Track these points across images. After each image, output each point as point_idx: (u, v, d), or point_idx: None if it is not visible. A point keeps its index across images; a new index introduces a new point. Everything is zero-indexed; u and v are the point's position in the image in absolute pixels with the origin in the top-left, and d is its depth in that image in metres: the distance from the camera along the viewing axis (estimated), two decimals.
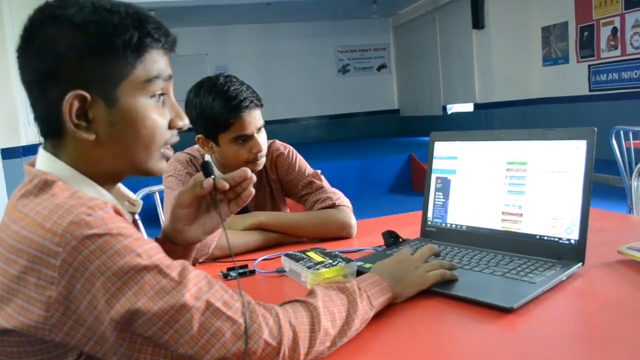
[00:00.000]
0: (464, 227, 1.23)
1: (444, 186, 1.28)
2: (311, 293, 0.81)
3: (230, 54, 10.42)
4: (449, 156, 1.28)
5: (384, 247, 1.28)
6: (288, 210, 1.74)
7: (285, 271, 1.18)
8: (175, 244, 0.92)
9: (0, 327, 0.66)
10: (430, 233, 1.29)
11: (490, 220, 1.18)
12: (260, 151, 1.49)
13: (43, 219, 0.65)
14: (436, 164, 1.30)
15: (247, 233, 1.44)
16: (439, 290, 0.96)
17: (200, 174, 0.88)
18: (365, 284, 0.88)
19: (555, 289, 0.95)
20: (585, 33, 6.92)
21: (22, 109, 5.11)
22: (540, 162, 1.11)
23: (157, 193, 2.09)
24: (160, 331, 0.65)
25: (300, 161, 1.65)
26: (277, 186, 1.67)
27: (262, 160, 1.53)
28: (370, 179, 6.85)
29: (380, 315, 0.88)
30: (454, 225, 1.25)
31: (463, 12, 8.43)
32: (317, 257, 1.14)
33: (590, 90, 6.92)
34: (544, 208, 1.09)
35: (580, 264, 1.02)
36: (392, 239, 1.27)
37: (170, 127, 0.80)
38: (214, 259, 1.31)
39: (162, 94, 0.78)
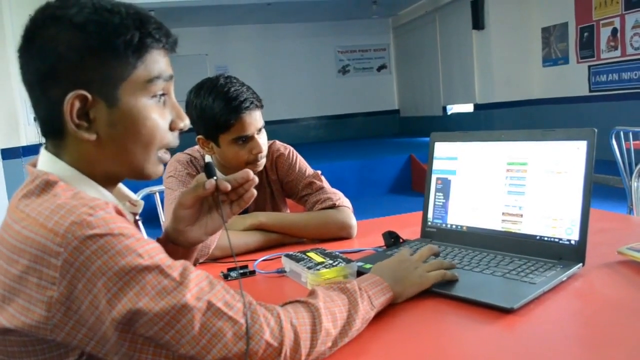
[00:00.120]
0: (464, 228, 1.23)
1: (444, 187, 1.28)
2: (312, 293, 0.82)
3: (230, 54, 10.42)
4: (449, 157, 1.28)
5: (385, 247, 1.28)
6: (288, 211, 1.74)
7: (285, 272, 1.18)
8: (177, 245, 0.92)
9: (1, 327, 0.66)
10: (430, 234, 1.29)
11: (490, 220, 1.18)
12: (260, 152, 1.49)
13: (45, 219, 0.65)
14: (436, 165, 1.30)
15: (247, 233, 1.44)
16: (440, 291, 0.96)
17: (203, 175, 0.88)
18: (366, 284, 0.88)
19: (555, 290, 0.95)
20: (585, 34, 6.93)
21: (22, 109, 5.11)
22: (540, 163, 1.11)
23: (157, 193, 2.09)
24: (161, 331, 0.65)
25: (301, 162, 1.65)
26: (277, 187, 1.67)
27: (263, 161, 1.53)
28: (370, 179, 6.85)
29: (381, 315, 0.88)
30: (454, 226, 1.25)
31: (463, 13, 8.43)
32: (318, 258, 1.14)
33: (590, 91, 6.93)
34: (544, 209, 1.09)
35: (581, 264, 1.03)
36: (393, 240, 1.27)
37: (171, 128, 0.80)
38: (214, 259, 1.31)
39: (163, 94, 0.78)
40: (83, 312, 0.64)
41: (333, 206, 1.52)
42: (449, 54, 9.22)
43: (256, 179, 0.91)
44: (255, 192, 0.91)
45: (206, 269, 1.09)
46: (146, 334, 0.65)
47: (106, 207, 0.67)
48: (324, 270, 1.06)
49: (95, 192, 0.76)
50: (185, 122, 0.81)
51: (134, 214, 0.85)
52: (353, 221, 1.51)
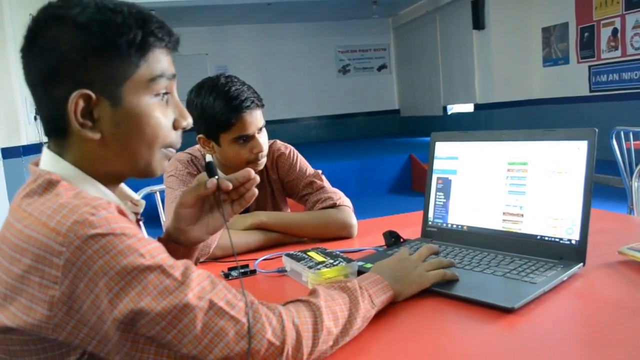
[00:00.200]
0: (464, 228, 1.23)
1: (445, 186, 1.28)
2: (313, 293, 0.82)
3: (230, 54, 10.42)
4: (450, 156, 1.28)
5: (385, 247, 1.28)
6: (289, 210, 1.74)
7: (286, 271, 1.18)
8: (178, 244, 0.92)
9: (3, 326, 0.66)
10: (431, 233, 1.29)
11: (491, 220, 1.18)
12: (261, 151, 1.49)
13: (47, 218, 0.65)
14: (437, 164, 1.30)
15: (248, 233, 1.44)
16: (440, 290, 0.97)
17: (204, 174, 0.88)
18: (366, 282, 0.89)
19: (556, 289, 0.95)
20: (586, 34, 6.93)
21: (23, 108, 5.11)
22: (541, 163, 1.11)
23: (157, 193, 2.09)
24: (163, 331, 0.65)
25: (301, 161, 1.65)
26: (278, 186, 1.67)
27: (263, 161, 1.53)
28: (371, 179, 6.85)
29: (381, 315, 0.89)
30: (454, 226, 1.25)
31: (463, 13, 8.43)
32: (318, 257, 1.14)
33: (591, 91, 6.93)
34: (545, 208, 1.09)
35: (581, 264, 1.03)
36: (393, 239, 1.27)
37: (174, 127, 0.80)
38: (214, 258, 1.32)
39: (166, 93, 0.78)
40: (85, 311, 0.64)
41: (334, 205, 1.52)
42: (449, 54, 9.22)
43: (257, 178, 0.91)
44: (256, 191, 0.91)
45: (207, 268, 1.09)
46: (148, 334, 0.65)
47: (108, 206, 0.67)
48: (325, 269, 1.06)
49: (97, 191, 0.76)
50: (188, 121, 0.82)
51: (136, 214, 0.85)
52: (354, 221, 1.51)
